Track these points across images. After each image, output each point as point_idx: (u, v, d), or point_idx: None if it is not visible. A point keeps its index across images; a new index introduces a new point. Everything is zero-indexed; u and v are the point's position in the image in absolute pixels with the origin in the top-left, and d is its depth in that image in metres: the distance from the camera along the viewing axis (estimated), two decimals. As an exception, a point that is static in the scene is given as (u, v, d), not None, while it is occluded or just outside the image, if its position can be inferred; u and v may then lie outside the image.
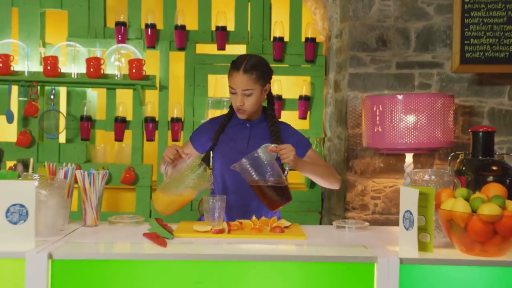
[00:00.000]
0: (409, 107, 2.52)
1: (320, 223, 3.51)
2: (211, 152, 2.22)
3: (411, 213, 1.53)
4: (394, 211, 2.94)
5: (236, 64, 2.12)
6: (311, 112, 3.55)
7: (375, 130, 2.60)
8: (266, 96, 2.23)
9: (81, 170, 1.86)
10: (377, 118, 2.58)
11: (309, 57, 3.50)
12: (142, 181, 3.47)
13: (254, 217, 1.92)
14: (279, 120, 2.31)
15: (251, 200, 2.11)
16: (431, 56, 2.93)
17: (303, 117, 3.52)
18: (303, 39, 3.54)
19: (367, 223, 1.97)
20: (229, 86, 2.13)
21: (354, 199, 2.94)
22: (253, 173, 1.86)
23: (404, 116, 2.52)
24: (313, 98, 3.55)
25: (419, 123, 2.51)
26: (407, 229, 1.55)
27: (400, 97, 2.54)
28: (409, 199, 1.54)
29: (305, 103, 3.51)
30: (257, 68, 2.11)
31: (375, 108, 2.59)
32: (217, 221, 1.85)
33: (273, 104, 2.26)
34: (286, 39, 3.54)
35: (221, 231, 1.76)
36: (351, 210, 2.95)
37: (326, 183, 2.15)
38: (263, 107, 2.28)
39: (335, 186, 2.18)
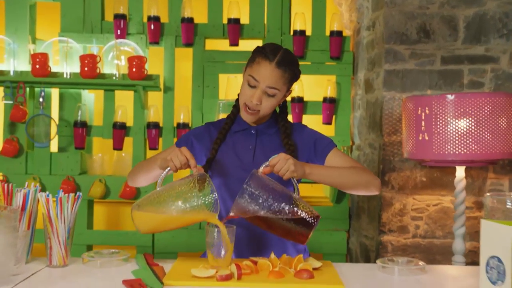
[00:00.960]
0: (462, 109, 2.05)
1: (347, 244, 3.04)
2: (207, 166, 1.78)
3: (500, 261, 1.07)
4: (439, 235, 2.46)
5: (268, 53, 1.68)
6: (337, 116, 3.10)
7: (420, 138, 2.13)
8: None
9: (46, 193, 1.42)
10: (423, 123, 2.11)
11: (334, 53, 3.05)
12: (144, 195, 3.04)
13: (273, 255, 1.47)
14: (292, 122, 1.87)
15: (264, 231, 1.69)
16: (483, 49, 2.45)
17: (327, 122, 3.07)
18: (327, 33, 3.10)
19: (422, 263, 1.50)
20: (250, 75, 1.68)
21: (391, 220, 2.47)
22: (258, 209, 1.41)
23: (456, 121, 2.05)
24: (339, 101, 3.10)
25: (475, 129, 2.03)
26: (493, 283, 1.09)
27: (451, 97, 2.07)
28: (497, 240, 1.08)
29: (330, 106, 3.06)
30: (292, 66, 1.71)
31: (419, 111, 2.12)
32: (224, 258, 1.41)
33: (286, 108, 1.83)
34: (308, 33, 3.11)
35: (228, 278, 1.31)
36: (387, 233, 2.48)
37: (359, 188, 1.67)
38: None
39: (372, 191, 1.69)
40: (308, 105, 3.09)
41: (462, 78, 2.45)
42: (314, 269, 1.41)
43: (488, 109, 2.04)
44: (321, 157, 1.74)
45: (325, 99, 3.06)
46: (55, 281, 1.33)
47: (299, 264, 1.39)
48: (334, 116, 3.10)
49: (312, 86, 3.35)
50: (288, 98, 1.94)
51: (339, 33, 3.05)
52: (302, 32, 3.05)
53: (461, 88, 2.45)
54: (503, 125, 2.06)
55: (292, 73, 1.71)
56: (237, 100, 1.83)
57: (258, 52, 1.71)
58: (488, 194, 1.39)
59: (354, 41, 3.13)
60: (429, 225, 2.47)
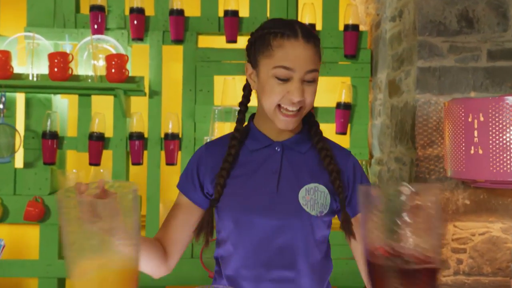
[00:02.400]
0: (525, 115, 1.59)
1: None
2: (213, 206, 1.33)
3: None
4: (487, 271, 1.99)
5: (286, 28, 1.25)
6: (353, 125, 2.65)
7: (472, 152, 1.66)
8: None
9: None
10: (475, 133, 1.65)
11: (349, 51, 2.61)
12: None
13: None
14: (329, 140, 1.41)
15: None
16: (540, 41, 2.00)
17: (342, 131, 2.62)
18: (341, 27, 2.66)
19: None
20: (277, 67, 1.23)
21: (427, 253, 2.00)
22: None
23: (521, 130, 1.59)
24: (355, 106, 2.65)
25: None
26: None
27: (511, 99, 1.61)
28: None
29: (345, 113, 2.61)
30: (315, 34, 1.29)
31: (471, 119, 1.66)
32: None
33: (313, 116, 1.40)
34: (319, 27, 2.67)
35: None
36: (422, 269, 2.00)
37: None
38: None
39: None
40: (319, 111, 2.63)
41: (513, 77, 1.99)
42: None
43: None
44: (354, 209, 1.32)
45: (339, 105, 2.61)
46: None
47: None
48: (349, 125, 2.64)
49: (323, 90, 2.85)
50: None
51: (355, 27, 2.60)
52: (312, 26, 2.60)
53: (511, 89, 1.99)
54: None
55: (319, 44, 1.29)
56: (241, 103, 1.39)
57: (269, 34, 1.26)
58: None
59: (372, 36, 2.68)
60: (475, 259, 1.99)
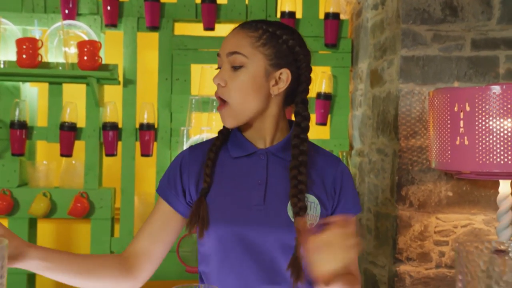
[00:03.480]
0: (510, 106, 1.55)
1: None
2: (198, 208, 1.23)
3: None
4: (470, 264, 1.96)
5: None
6: (333, 115, 2.60)
7: (457, 143, 1.62)
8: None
9: None
10: (461, 123, 1.61)
11: (330, 40, 2.55)
12: (99, 212, 2.49)
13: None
14: (318, 146, 1.35)
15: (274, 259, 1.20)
16: (524, 31, 1.97)
17: (322, 122, 2.56)
18: (321, 16, 2.60)
19: None
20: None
21: (410, 245, 1.96)
22: None
23: (508, 120, 1.55)
24: (335, 97, 2.59)
25: (532, 131, 1.54)
26: None
27: (499, 89, 1.57)
28: None
29: (325, 103, 2.56)
30: (268, 25, 1.28)
31: (457, 108, 1.62)
32: None
33: (305, 118, 1.27)
34: (299, 15, 2.60)
35: None
36: (404, 262, 1.97)
37: None
38: (291, 121, 1.33)
39: None
40: (298, 102, 2.57)
41: (497, 67, 1.96)
42: None
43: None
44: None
45: (319, 95, 2.56)
46: None
47: None
48: (329, 116, 2.59)
49: (303, 80, 2.84)
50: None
51: (335, 16, 2.55)
52: (292, 14, 2.54)
53: (496, 79, 1.96)
54: None
55: (268, 35, 1.23)
56: None
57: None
58: None
59: (352, 25, 2.63)
60: (457, 251, 1.97)
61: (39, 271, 1.12)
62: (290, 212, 1.20)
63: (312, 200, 1.22)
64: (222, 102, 1.24)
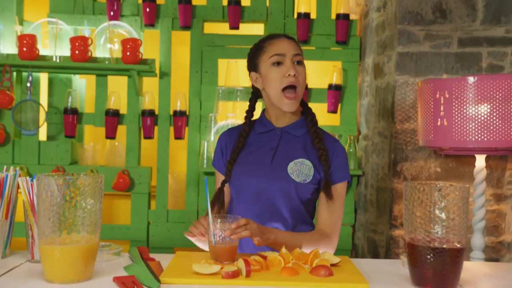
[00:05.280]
0: (485, 93, 1.88)
1: (353, 240, 2.88)
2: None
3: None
4: (455, 229, 2.30)
5: (271, 35, 1.72)
6: (343, 104, 2.94)
7: (438, 124, 1.96)
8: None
9: (27, 178, 1.25)
10: (442, 108, 1.95)
11: (340, 37, 2.89)
12: (138, 187, 2.88)
13: (284, 249, 1.30)
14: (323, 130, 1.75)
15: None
16: (504, 30, 2.29)
17: (333, 110, 2.90)
18: (333, 16, 2.93)
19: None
20: (272, 56, 1.64)
21: (403, 213, 2.31)
22: None
23: (478, 105, 1.89)
24: (345, 88, 2.93)
25: (499, 114, 1.87)
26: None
27: (472, 79, 1.90)
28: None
29: (336, 94, 2.89)
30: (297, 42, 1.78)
31: (438, 95, 1.96)
32: (224, 242, 1.26)
33: (310, 109, 1.74)
34: (313, 16, 2.94)
35: (235, 275, 1.14)
36: (399, 227, 2.31)
37: None
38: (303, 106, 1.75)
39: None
40: (312, 92, 2.92)
41: (480, 62, 2.29)
42: (332, 265, 1.25)
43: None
44: (333, 180, 1.64)
45: (330, 86, 2.90)
46: (37, 277, 1.16)
47: (315, 260, 1.23)
48: (339, 104, 2.93)
49: (316, 73, 3.18)
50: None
51: (345, 16, 2.88)
52: (307, 15, 2.88)
53: (479, 72, 2.29)
54: (529, 110, 1.90)
55: (299, 44, 1.70)
56: (248, 111, 1.74)
57: (260, 42, 1.69)
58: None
59: (361, 25, 2.96)
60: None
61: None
62: (289, 170, 1.61)
63: (307, 164, 1.62)
64: (293, 93, 1.62)
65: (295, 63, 1.62)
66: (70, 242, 1.10)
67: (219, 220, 1.29)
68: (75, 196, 1.09)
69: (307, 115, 1.70)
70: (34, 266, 1.25)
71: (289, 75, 1.59)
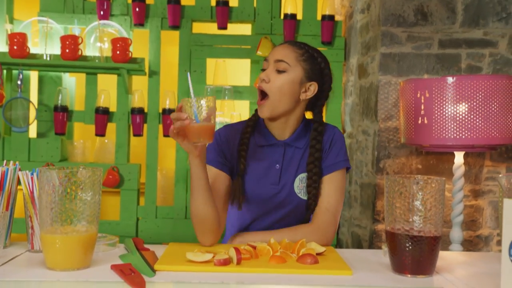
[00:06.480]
0: (464, 93, 1.97)
1: (337, 235, 2.97)
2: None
3: (526, 243, 0.99)
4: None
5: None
6: (328, 104, 3.01)
7: (419, 122, 2.05)
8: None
9: (27, 172, 1.30)
10: (422, 107, 2.03)
11: (326, 38, 2.96)
12: (127, 184, 2.93)
13: (272, 239, 1.37)
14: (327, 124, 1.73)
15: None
16: (482, 33, 2.39)
17: (318, 109, 2.97)
18: (319, 17, 3.01)
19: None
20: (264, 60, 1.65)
21: (386, 208, 2.39)
22: None
23: (457, 104, 1.98)
24: (330, 87, 3.01)
25: (477, 113, 1.96)
26: (518, 266, 1.01)
27: (452, 80, 1.99)
28: (522, 220, 1.00)
29: (321, 93, 2.96)
30: (310, 47, 1.70)
31: (419, 95, 2.05)
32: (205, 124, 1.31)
33: (320, 114, 1.69)
34: (299, 17, 3.01)
35: (227, 262, 1.21)
36: (381, 222, 2.40)
37: None
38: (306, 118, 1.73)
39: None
40: (298, 91, 3.00)
41: (459, 63, 2.38)
42: (318, 254, 1.32)
43: (490, 92, 1.97)
44: (326, 170, 1.63)
45: (316, 86, 2.97)
46: (38, 265, 1.22)
47: (302, 249, 1.30)
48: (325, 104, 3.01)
49: (302, 72, 3.25)
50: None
51: (331, 17, 2.96)
52: (293, 16, 2.95)
53: (458, 72, 2.38)
54: (505, 109, 1.99)
55: (308, 55, 1.62)
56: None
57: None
58: (501, 175, 1.31)
59: (346, 26, 3.04)
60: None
61: (195, 168, 1.41)
62: (296, 189, 1.61)
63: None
64: (263, 96, 1.60)
65: (276, 71, 1.57)
66: (70, 231, 1.16)
67: (202, 100, 1.30)
68: (76, 188, 1.15)
69: (313, 130, 1.64)
70: (35, 255, 1.31)
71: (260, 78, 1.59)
